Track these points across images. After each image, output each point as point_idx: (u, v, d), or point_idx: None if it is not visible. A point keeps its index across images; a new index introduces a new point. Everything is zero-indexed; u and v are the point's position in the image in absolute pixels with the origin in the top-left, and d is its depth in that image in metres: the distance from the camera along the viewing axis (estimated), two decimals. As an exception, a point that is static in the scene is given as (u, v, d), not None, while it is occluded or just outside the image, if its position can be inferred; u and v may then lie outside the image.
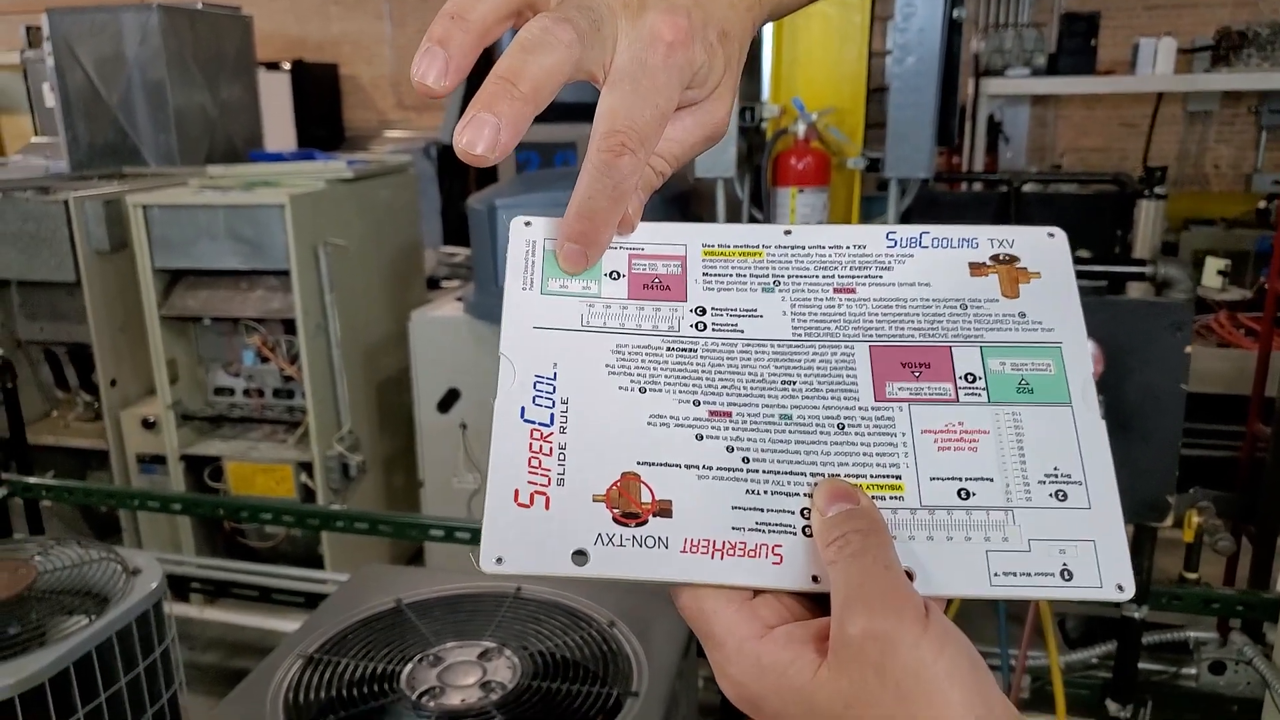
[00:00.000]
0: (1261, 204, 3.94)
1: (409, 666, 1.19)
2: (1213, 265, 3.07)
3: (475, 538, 1.72)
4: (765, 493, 0.41)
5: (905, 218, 2.22)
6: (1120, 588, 0.39)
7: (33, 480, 2.14)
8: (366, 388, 2.60)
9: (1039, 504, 0.40)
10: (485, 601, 1.34)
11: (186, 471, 2.47)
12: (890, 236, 0.46)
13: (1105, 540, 0.40)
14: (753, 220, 2.17)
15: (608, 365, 0.43)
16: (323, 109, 6.00)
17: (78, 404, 2.69)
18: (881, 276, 0.46)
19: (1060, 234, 0.46)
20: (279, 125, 5.24)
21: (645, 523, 0.40)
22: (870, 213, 2.32)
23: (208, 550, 2.55)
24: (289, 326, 2.37)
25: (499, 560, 0.39)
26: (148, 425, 2.45)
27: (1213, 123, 5.07)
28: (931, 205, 2.68)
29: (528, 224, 0.46)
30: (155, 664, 1.35)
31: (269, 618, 2.12)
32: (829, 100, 2.11)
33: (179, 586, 2.26)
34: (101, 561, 1.36)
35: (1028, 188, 2.97)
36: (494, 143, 0.37)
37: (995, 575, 0.39)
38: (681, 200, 2.36)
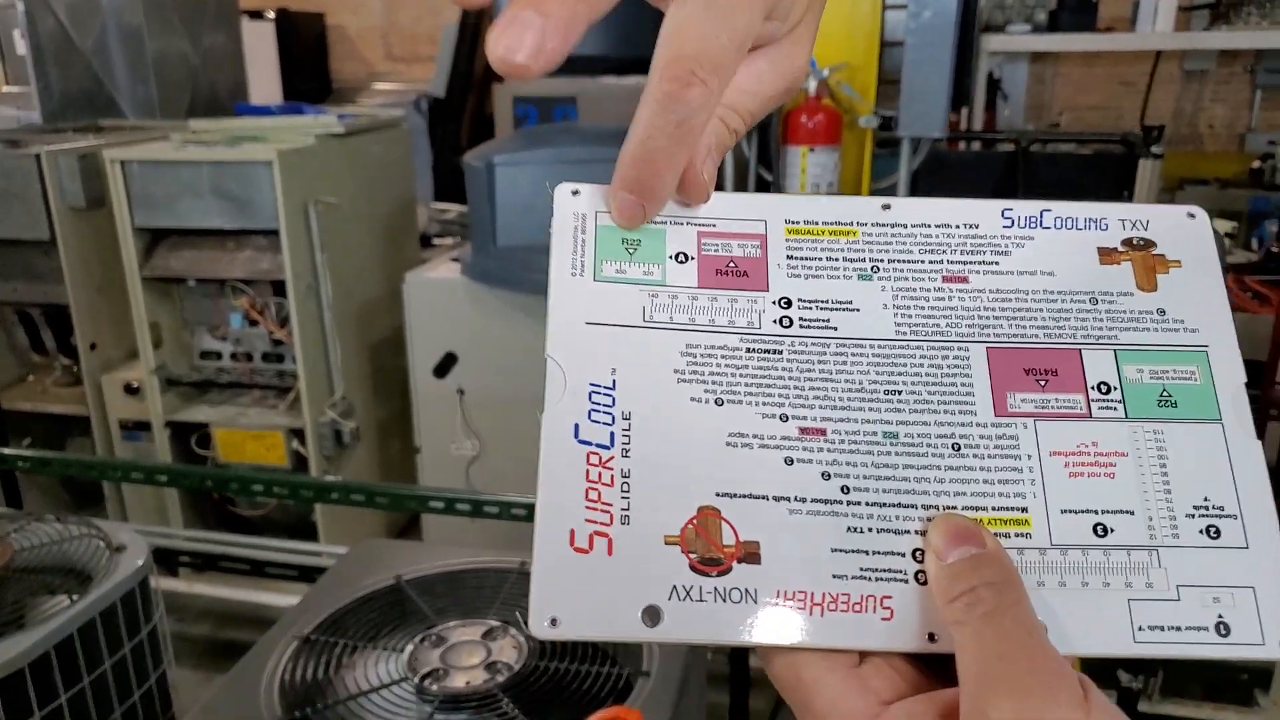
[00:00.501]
0: (1255, 164, 3.91)
1: (410, 647, 1.14)
2: (1219, 227, 3.04)
3: (476, 509, 1.68)
4: (870, 530, 0.34)
5: (914, 179, 2.16)
6: None
7: (8, 451, 2.06)
8: (359, 352, 2.53)
9: (1187, 542, 0.34)
10: (489, 577, 1.30)
11: (172, 438, 2.39)
12: (1006, 214, 0.39)
13: (1267, 586, 0.34)
14: (760, 181, 2.10)
15: (677, 371, 0.36)
16: (309, 60, 5.86)
17: (56, 368, 2.61)
18: (998, 263, 0.39)
19: (1202, 215, 0.39)
20: (264, 77, 5.11)
21: (729, 570, 0.33)
22: (878, 173, 2.25)
23: (196, 518, 2.49)
24: (278, 288, 2.29)
25: (553, 622, 0.32)
26: (130, 391, 2.38)
27: (1208, 82, 5.03)
28: (938, 165, 2.62)
29: (575, 193, 0.39)
30: (142, 644, 1.30)
31: (261, 591, 2.07)
32: (841, 55, 2.04)
33: (167, 560, 2.20)
34: (83, 538, 1.30)
35: (1032, 148, 2.91)
36: (538, 49, 0.30)
37: (1139, 630, 0.33)
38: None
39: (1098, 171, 2.97)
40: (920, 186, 2.18)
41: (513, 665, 1.11)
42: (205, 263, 2.29)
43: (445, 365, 2.31)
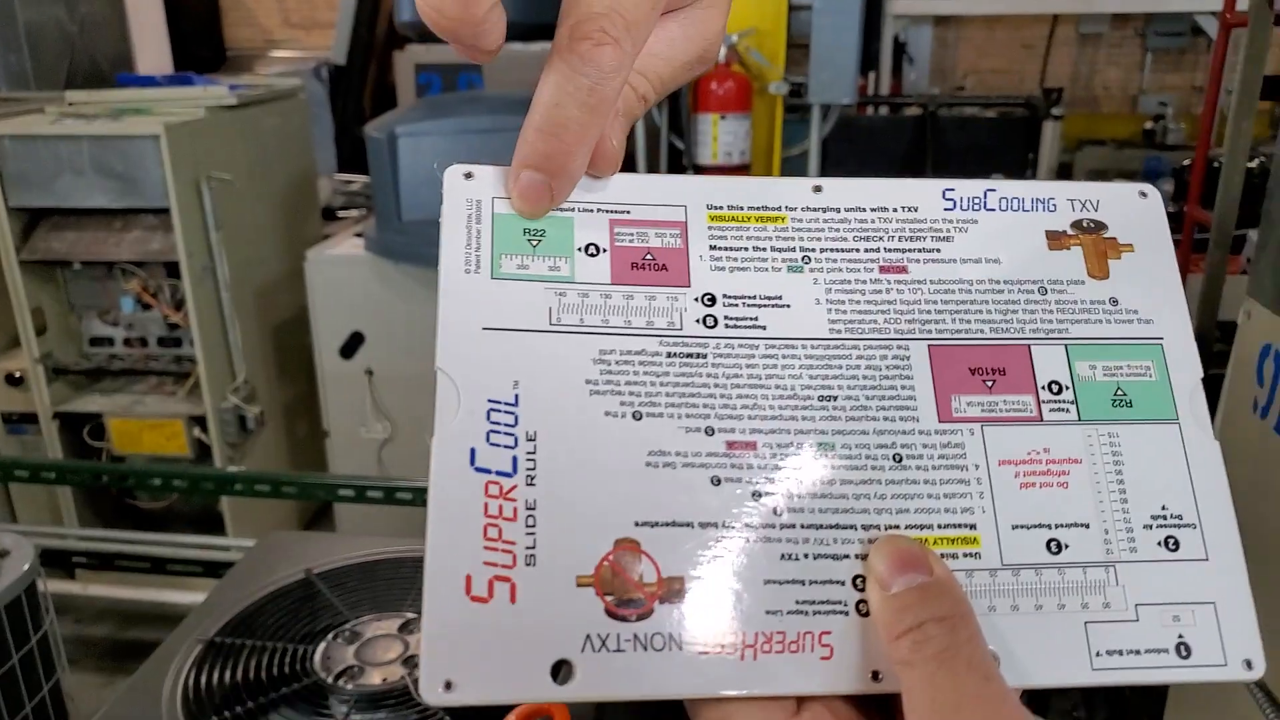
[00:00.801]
0: (1148, 124, 4.04)
1: (323, 645, 1.09)
2: (1120, 188, 3.12)
3: (388, 496, 1.63)
4: (806, 557, 0.31)
5: (825, 145, 2.16)
6: (1249, 664, 0.31)
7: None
8: (262, 333, 2.44)
9: (1146, 556, 0.32)
10: (404, 568, 1.25)
11: (62, 430, 2.27)
12: (948, 195, 0.36)
13: (1227, 602, 0.32)
14: (672, 150, 2.06)
15: (589, 381, 0.32)
16: (201, 27, 5.62)
17: (-72, 359, 2.46)
18: (939, 250, 0.36)
19: (1154, 194, 0.37)
20: (151, 45, 4.87)
21: (650, 613, 0.30)
22: (789, 139, 2.24)
23: (92, 514, 2.37)
24: (171, 269, 2.19)
25: (448, 685, 0.29)
26: (13, 381, 2.25)
27: (1103, 45, 5.18)
28: (849, 131, 2.62)
29: (468, 175, 0.34)
30: (32, 653, 1.22)
31: (165, 590, 1.98)
32: (749, 21, 2.01)
33: (60, 560, 2.09)
34: (-38, 544, 1.22)
35: (939, 112, 2.94)
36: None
37: (1097, 655, 0.31)
38: (594, 127, 2.24)
39: (1004, 134, 3.02)
40: (831, 153, 2.18)
41: (431, 659, 1.07)
42: (90, 244, 2.16)
43: (352, 345, 2.24)
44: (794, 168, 2.18)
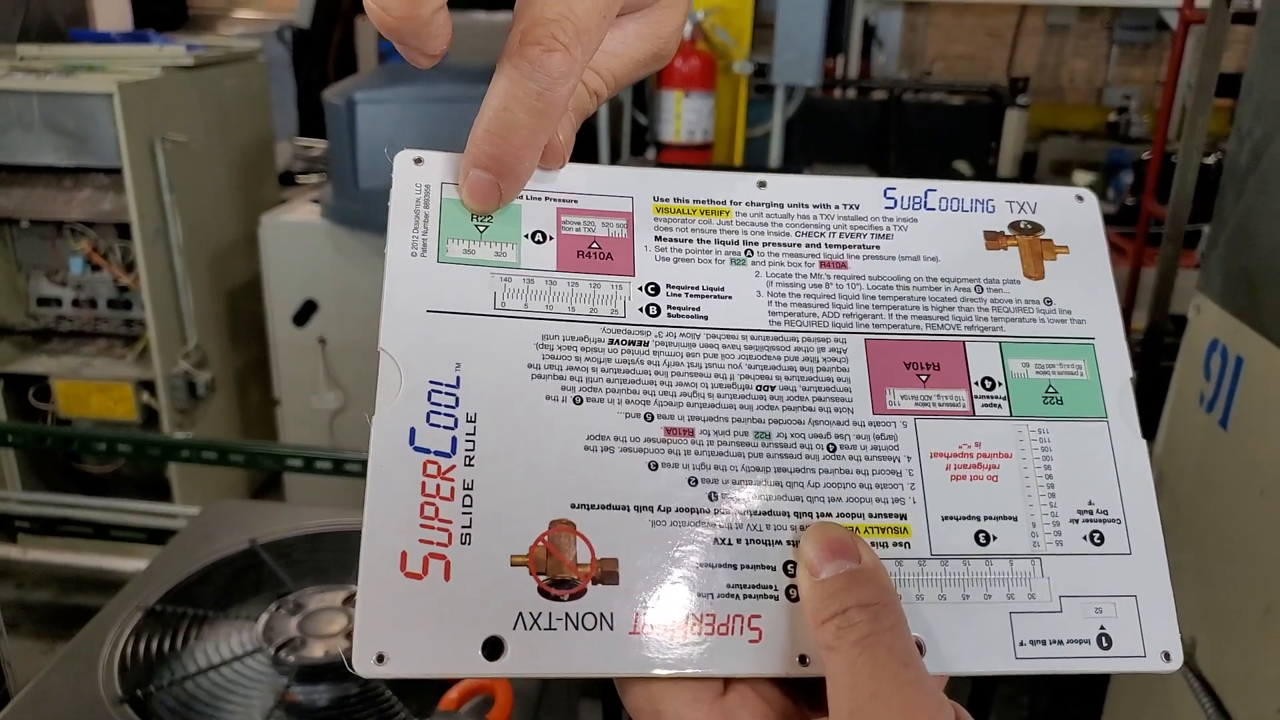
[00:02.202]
0: (1112, 117, 4.09)
1: (265, 616, 1.08)
2: (1080, 179, 3.14)
3: (338, 468, 1.61)
4: (739, 542, 0.32)
5: (789, 126, 2.15)
6: (1167, 656, 0.32)
7: None
8: (214, 298, 2.40)
9: (1071, 549, 0.33)
10: (350, 540, 1.24)
11: (6, 392, 2.22)
12: (889, 194, 0.37)
13: (1148, 595, 0.33)
14: (635, 126, 2.05)
15: (531, 365, 0.33)
16: (160, -15, 5.48)
17: None
18: (878, 247, 0.36)
19: (1090, 198, 0.38)
20: (110, 1, 4.76)
21: (583, 593, 0.30)
22: (753, 119, 2.23)
23: (36, 478, 2.33)
24: (123, 230, 2.14)
25: (380, 658, 0.29)
26: (-44, 341, 2.20)
27: (1070, 36, 5.22)
28: (813, 113, 2.62)
29: (418, 161, 0.35)
30: (-32, 619, 1.20)
31: (108, 556, 1.95)
32: (716, -2, 2.00)
33: (1, 524, 2.05)
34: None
35: (905, 97, 2.94)
36: None
37: (1021, 645, 0.32)
38: (558, 100, 2.22)
39: (969, 121, 3.04)
40: (795, 134, 2.17)
41: (375, 632, 1.06)
42: (38, 202, 2.11)
43: (305, 313, 2.21)
44: (757, 148, 2.17)
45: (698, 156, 2.03)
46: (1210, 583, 1.17)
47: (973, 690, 1.55)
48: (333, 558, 1.20)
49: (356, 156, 2.08)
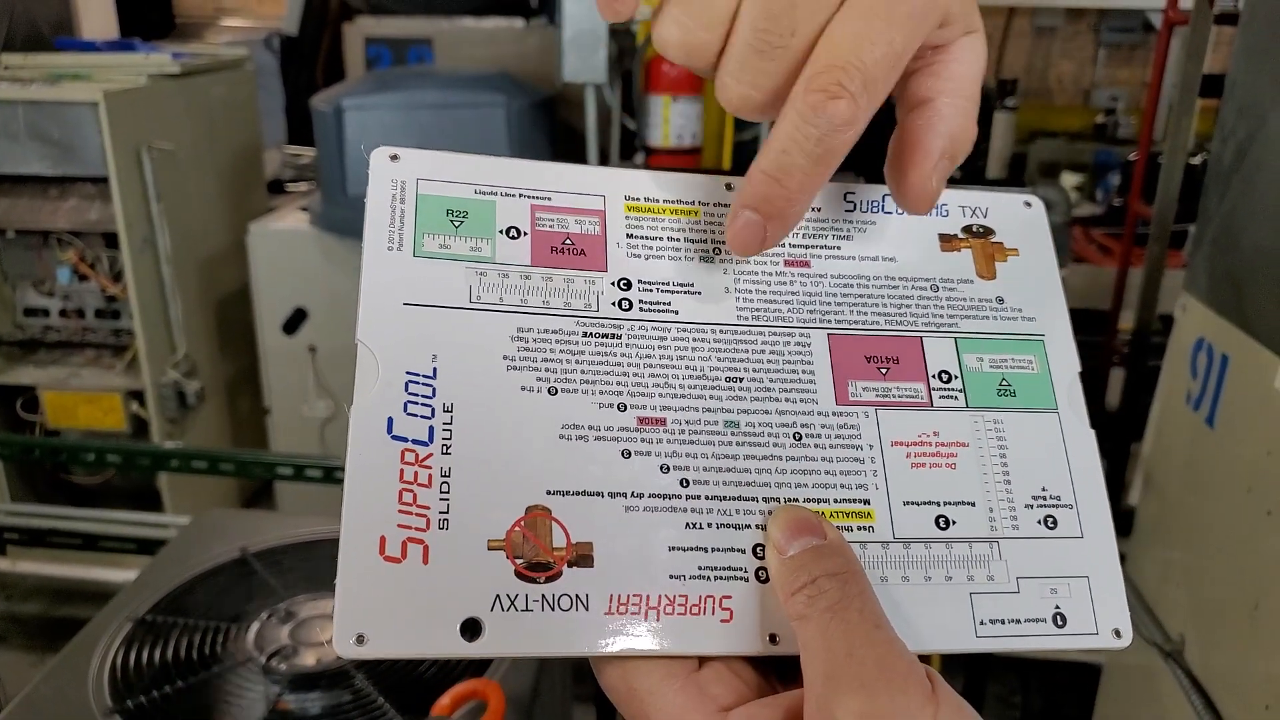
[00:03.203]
0: (1100, 118, 4.10)
1: (256, 625, 1.08)
2: (1068, 180, 3.15)
3: (328, 476, 1.61)
4: (709, 526, 0.33)
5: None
6: (1117, 633, 0.34)
7: None
8: (203, 307, 2.40)
9: (1026, 533, 0.34)
10: (341, 547, 1.24)
11: (-7, 403, 2.22)
12: (849, 198, 0.39)
13: (1099, 576, 0.34)
14: (624, 130, 2.05)
15: (507, 357, 0.33)
16: (146, -7, 5.47)
17: None
18: (840, 247, 0.38)
19: (1038, 204, 0.40)
20: (96, 10, 4.74)
21: (558, 575, 0.31)
22: (740, 125, 2.24)
23: (26, 489, 2.32)
24: (110, 240, 2.13)
25: (360, 639, 0.29)
26: (-56, 351, 2.19)
27: (1057, 38, 5.23)
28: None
29: (394, 157, 0.35)
30: (-43, 632, 1.19)
31: (98, 567, 1.94)
32: (703, 2, 2.00)
33: (-12, 537, 2.04)
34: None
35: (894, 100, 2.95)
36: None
37: (981, 624, 0.33)
38: (547, 105, 2.22)
39: (956, 124, 3.04)
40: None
41: (367, 639, 1.06)
42: (24, 212, 2.10)
43: (295, 321, 2.21)
44: (746, 152, 2.18)
45: (686, 161, 2.03)
46: (1199, 580, 1.18)
47: (964, 690, 1.56)
48: (325, 566, 1.20)
49: (345, 163, 2.08)
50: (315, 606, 1.12)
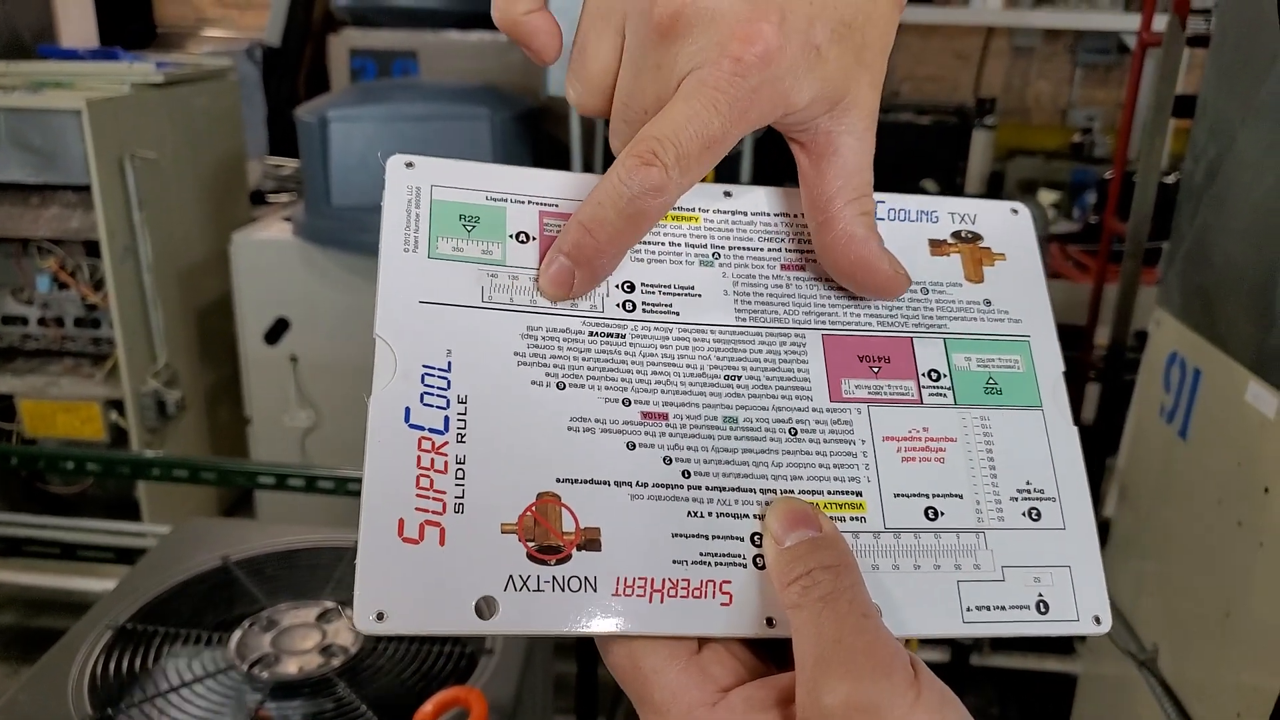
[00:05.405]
0: (1076, 137, 4.16)
1: (238, 633, 1.08)
2: (1045, 198, 3.19)
3: (310, 485, 1.61)
4: (710, 515, 0.34)
5: (759, 145, 2.18)
6: (1098, 620, 0.35)
7: None
8: (184, 316, 2.39)
9: (1011, 524, 0.36)
10: (323, 556, 1.24)
11: (-31, 411, 2.20)
12: None
13: (1081, 566, 0.36)
14: (608, 143, 2.06)
15: (517, 354, 0.35)
16: (130, 2, 5.45)
17: None
18: None
19: (1024, 211, 0.41)
20: (77, 18, 4.72)
21: (568, 558, 0.32)
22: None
23: (0, 499, 2.30)
24: (91, 248, 2.12)
25: (380, 616, 0.31)
26: (-80, 359, 2.17)
27: (1035, 59, 5.29)
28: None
29: (410, 165, 0.37)
30: (-66, 640, 1.18)
31: (76, 577, 1.92)
32: (687, 18, 2.02)
33: (-35, 545, 2.02)
34: None
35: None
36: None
37: (968, 610, 0.35)
38: (532, 118, 2.24)
39: (935, 141, 3.08)
40: (766, 152, 2.20)
41: (349, 648, 1.07)
42: (4, 220, 2.09)
43: (277, 331, 2.20)
44: (727, 166, 2.20)
45: (669, 174, 2.04)
46: (1171, 590, 1.20)
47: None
48: (306, 575, 1.20)
49: (329, 174, 2.08)
50: (297, 615, 1.12)
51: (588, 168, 2.09)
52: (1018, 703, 2.04)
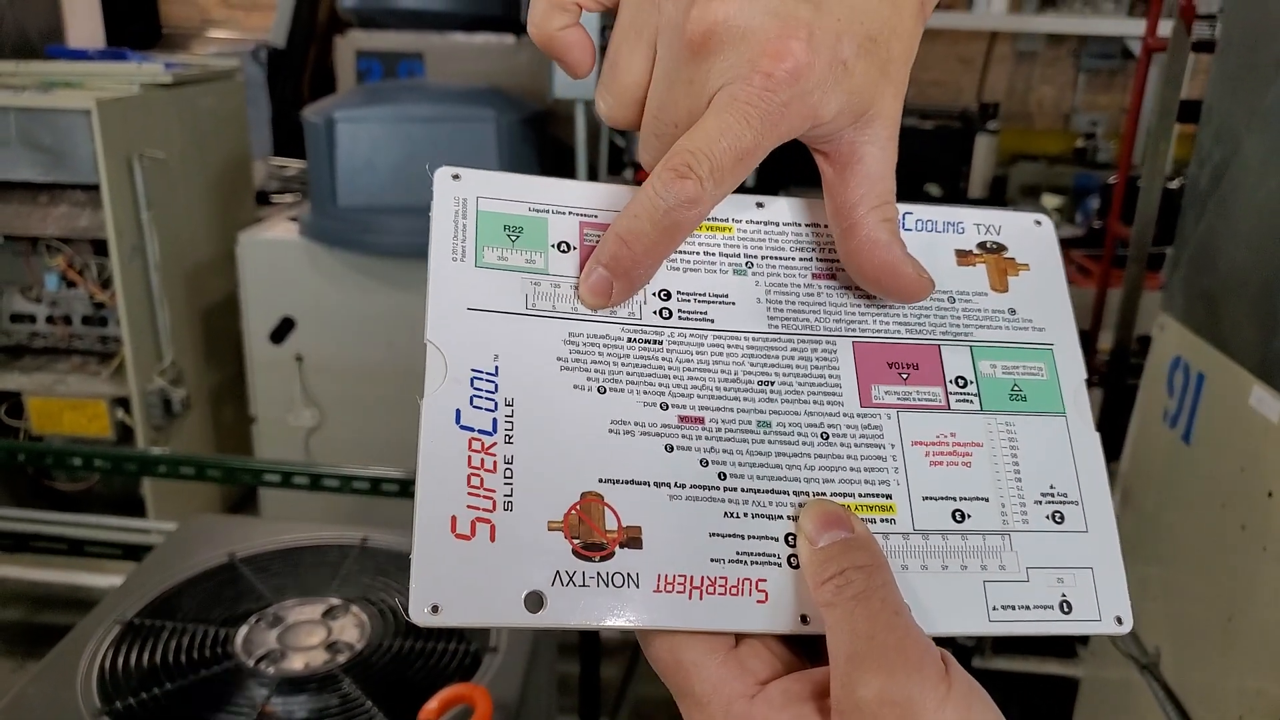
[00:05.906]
0: (1079, 142, 4.16)
1: (244, 629, 1.09)
2: (1049, 202, 3.20)
3: (315, 483, 1.62)
4: (745, 515, 0.35)
5: (773, 152, 2.18)
6: (1119, 620, 0.37)
7: None
8: (190, 315, 2.40)
9: (1036, 527, 0.37)
10: (329, 553, 1.25)
11: (-23, 408, 2.21)
12: None
13: (1103, 567, 0.37)
14: (613, 146, 2.07)
15: (559, 359, 0.36)
16: (135, 3, 5.47)
17: None
18: None
19: (1047, 222, 0.43)
20: (84, 19, 4.74)
21: (611, 555, 0.34)
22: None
23: (7, 495, 2.31)
24: (99, 247, 2.14)
25: (434, 609, 0.32)
26: (-72, 357, 2.18)
27: (1038, 63, 5.29)
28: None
29: (456, 177, 0.38)
30: (-58, 635, 1.19)
31: (82, 573, 1.93)
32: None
33: (-28, 541, 2.03)
34: None
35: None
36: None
37: (994, 610, 0.35)
38: (538, 121, 2.24)
39: (939, 145, 3.09)
40: (772, 158, 2.20)
41: (354, 645, 1.07)
42: (14, 218, 2.10)
43: (282, 330, 2.21)
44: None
45: (674, 178, 2.05)
46: (1174, 594, 1.20)
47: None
48: (312, 571, 1.21)
49: (335, 175, 2.09)
50: (303, 611, 1.13)
51: (592, 170, 2.09)
52: (1019, 706, 2.04)
